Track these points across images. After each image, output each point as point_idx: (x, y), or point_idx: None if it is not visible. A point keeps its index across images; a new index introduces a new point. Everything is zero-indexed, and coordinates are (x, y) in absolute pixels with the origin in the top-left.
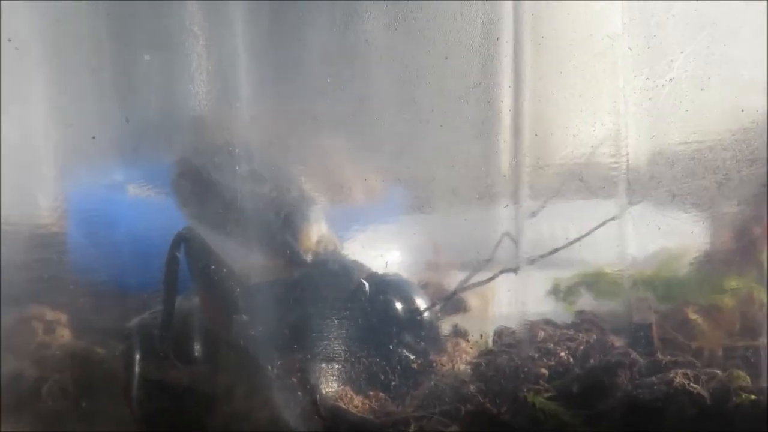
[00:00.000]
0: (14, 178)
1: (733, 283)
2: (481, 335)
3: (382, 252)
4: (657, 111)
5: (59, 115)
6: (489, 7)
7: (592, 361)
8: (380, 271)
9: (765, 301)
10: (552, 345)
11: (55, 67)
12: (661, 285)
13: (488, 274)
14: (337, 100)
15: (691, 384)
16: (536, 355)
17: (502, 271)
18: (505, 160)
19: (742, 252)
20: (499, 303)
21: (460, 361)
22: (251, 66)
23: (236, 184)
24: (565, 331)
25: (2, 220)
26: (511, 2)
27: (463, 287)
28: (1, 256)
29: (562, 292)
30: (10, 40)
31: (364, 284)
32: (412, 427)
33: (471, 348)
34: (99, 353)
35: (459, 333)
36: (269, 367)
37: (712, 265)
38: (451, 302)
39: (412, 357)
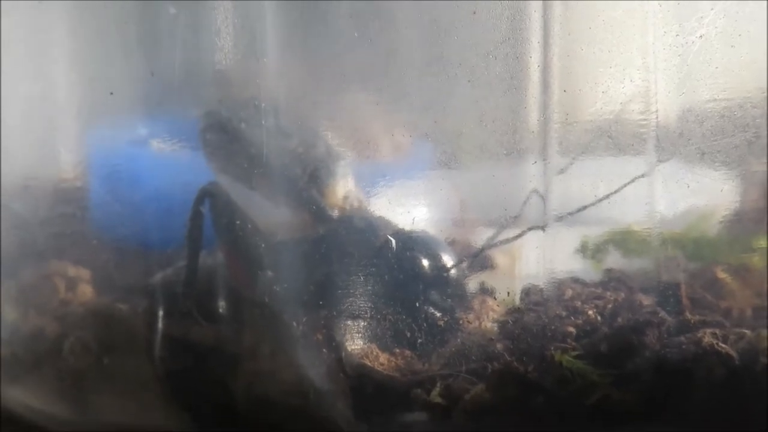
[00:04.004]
0: (37, 133)
1: (762, 242)
2: (509, 293)
3: (408, 208)
4: (687, 68)
5: (83, 69)
6: None
7: (620, 319)
8: (407, 228)
9: None
10: (580, 303)
11: (79, 21)
12: (690, 244)
13: (516, 232)
14: (364, 55)
15: (720, 344)
16: (564, 314)
17: (529, 229)
18: (533, 116)
19: None
20: (527, 260)
21: (487, 319)
22: (278, 20)
23: (262, 139)
24: (593, 289)
25: (25, 175)
26: None
27: (491, 244)
28: (25, 211)
29: (590, 250)
30: None
31: (390, 240)
32: (439, 385)
33: (498, 306)
34: (121, 310)
35: (486, 291)
36: (294, 324)
37: (741, 224)
38: (478, 259)
39: (438, 314)
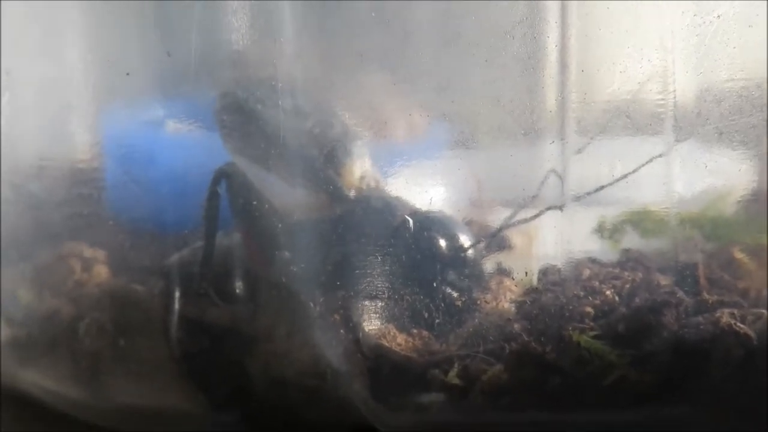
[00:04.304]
0: (53, 114)
1: None
2: (526, 273)
3: (426, 188)
4: (704, 48)
5: (99, 50)
6: None
7: (637, 300)
8: (424, 208)
9: None
10: (597, 283)
11: (95, 2)
12: (707, 224)
13: (533, 212)
14: (381, 35)
15: (738, 324)
16: (581, 294)
17: (547, 209)
18: (551, 96)
19: None
20: (544, 241)
21: (505, 299)
22: (295, 1)
23: (279, 119)
24: (610, 269)
25: (41, 156)
26: None
27: (508, 224)
28: (34, 195)
29: (607, 230)
30: None
31: (407, 221)
32: (456, 366)
33: (515, 286)
34: (137, 291)
35: (503, 271)
36: (311, 305)
37: (759, 204)
38: (496, 240)
39: (455, 295)
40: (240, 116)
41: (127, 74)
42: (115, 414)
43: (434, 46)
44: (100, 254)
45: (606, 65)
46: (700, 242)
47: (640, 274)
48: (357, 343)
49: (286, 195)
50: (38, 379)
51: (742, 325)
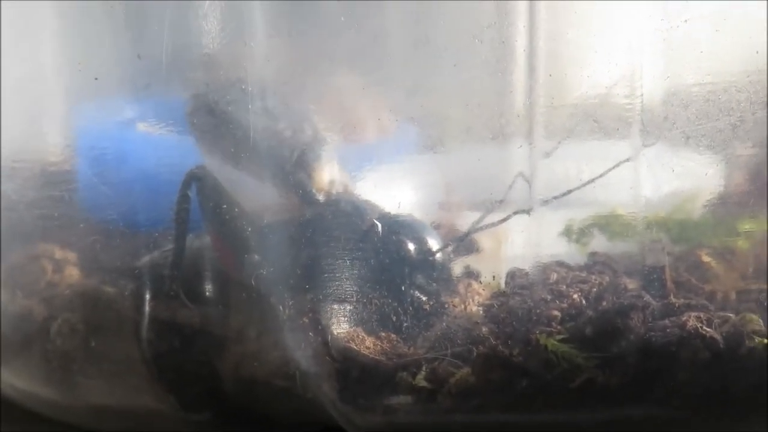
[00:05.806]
0: (25, 114)
1: (746, 225)
2: (494, 276)
3: (394, 192)
4: (671, 52)
5: (71, 51)
6: None
7: (604, 303)
8: (393, 212)
9: None
10: (565, 287)
11: (67, 3)
12: (674, 227)
13: (501, 215)
14: (351, 39)
15: (704, 327)
16: (549, 297)
17: (515, 212)
18: (519, 100)
19: (756, 194)
20: (512, 244)
21: (472, 302)
22: (266, 4)
23: (249, 121)
24: (577, 273)
25: (13, 157)
26: None
27: (476, 228)
28: (12, 193)
29: (575, 234)
30: None
31: (376, 224)
32: (424, 368)
33: (483, 290)
34: (108, 292)
35: (471, 274)
36: (280, 307)
37: (726, 208)
38: (464, 243)
39: (424, 298)
40: (211, 118)
41: (96, 79)
42: (88, 414)
43: (404, 50)
44: (71, 255)
45: (574, 69)
46: (667, 245)
47: (607, 278)
48: (326, 345)
49: (257, 198)
50: (11, 379)
51: (708, 329)
